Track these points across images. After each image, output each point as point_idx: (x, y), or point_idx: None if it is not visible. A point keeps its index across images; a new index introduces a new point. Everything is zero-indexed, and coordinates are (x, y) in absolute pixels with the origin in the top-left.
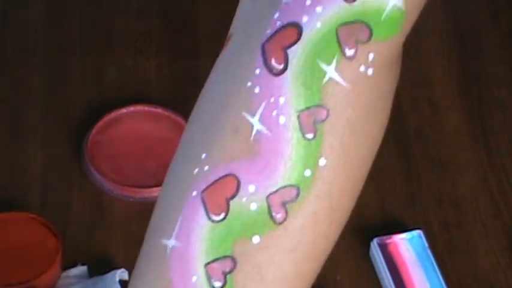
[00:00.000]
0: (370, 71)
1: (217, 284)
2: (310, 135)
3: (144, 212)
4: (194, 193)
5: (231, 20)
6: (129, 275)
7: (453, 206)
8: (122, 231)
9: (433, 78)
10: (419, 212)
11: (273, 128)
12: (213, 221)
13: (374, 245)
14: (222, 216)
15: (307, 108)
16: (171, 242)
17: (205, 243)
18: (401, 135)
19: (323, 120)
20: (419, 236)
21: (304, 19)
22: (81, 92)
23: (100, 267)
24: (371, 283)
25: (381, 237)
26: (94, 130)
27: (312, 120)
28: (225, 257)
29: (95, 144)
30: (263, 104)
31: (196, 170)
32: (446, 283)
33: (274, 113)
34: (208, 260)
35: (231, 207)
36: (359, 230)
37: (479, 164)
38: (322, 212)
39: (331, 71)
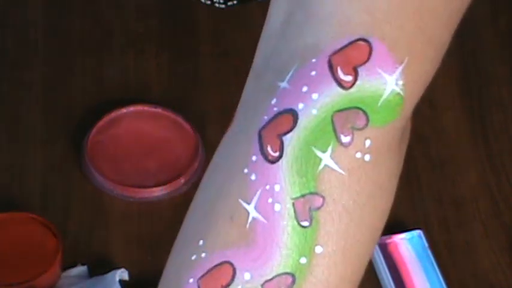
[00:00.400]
0: (367, 157)
1: None
2: (305, 223)
3: (144, 212)
4: (191, 280)
5: (231, 20)
6: (129, 275)
7: (453, 206)
8: (121, 231)
9: (433, 78)
10: (419, 212)
11: (269, 215)
12: None
13: None
14: None
15: (302, 195)
16: None
17: None
18: None
19: (318, 208)
20: (419, 236)
21: (300, 106)
22: (81, 92)
23: (100, 267)
24: (371, 283)
25: (381, 237)
26: (94, 130)
27: (307, 207)
28: None
29: (95, 144)
30: (259, 192)
31: (194, 257)
32: (446, 283)
33: (270, 200)
34: None
35: None
36: None
37: (479, 164)
38: None
39: (326, 158)
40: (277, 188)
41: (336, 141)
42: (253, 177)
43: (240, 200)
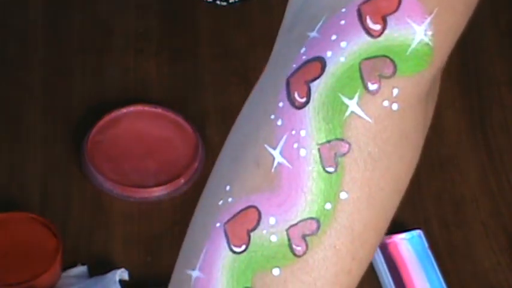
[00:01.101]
0: (394, 106)
1: None
2: (331, 169)
3: (144, 212)
4: (218, 224)
5: (231, 20)
6: (129, 274)
7: (453, 205)
8: (122, 231)
9: None
10: (419, 212)
11: (294, 160)
12: (234, 252)
13: None
14: (243, 247)
15: (328, 141)
16: (195, 273)
17: (226, 275)
18: None
19: (344, 154)
20: (419, 236)
21: (329, 54)
22: (81, 92)
23: (100, 267)
24: (371, 283)
25: None
26: (94, 130)
27: (332, 153)
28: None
29: (95, 144)
30: (284, 137)
31: (221, 202)
32: (446, 283)
33: (295, 145)
34: None
35: (251, 239)
36: None
37: (479, 164)
38: (343, 246)
39: (353, 105)
40: (303, 133)
41: (363, 88)
42: (279, 122)
43: (266, 145)
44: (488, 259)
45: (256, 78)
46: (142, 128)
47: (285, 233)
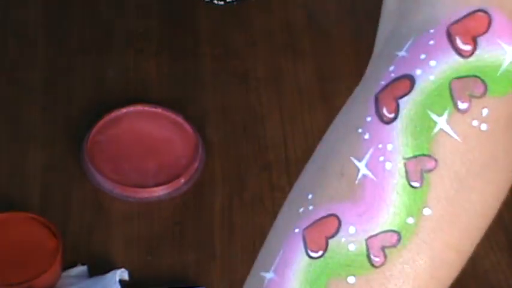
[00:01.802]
0: (483, 127)
1: None
2: (416, 184)
3: (144, 212)
4: (296, 230)
5: (231, 20)
6: (129, 275)
7: None
8: (121, 231)
9: None
10: None
11: (379, 173)
12: (310, 257)
13: None
14: (320, 253)
15: (415, 156)
16: (269, 275)
17: (300, 278)
18: None
19: (430, 170)
20: None
21: (418, 72)
22: (81, 92)
23: (100, 267)
24: None
25: None
26: (94, 130)
27: (419, 168)
28: None
29: (95, 144)
30: (371, 150)
31: (302, 210)
32: None
33: (381, 159)
34: None
35: (329, 246)
36: None
37: None
38: (422, 262)
39: (442, 122)
40: (389, 147)
41: (452, 106)
42: (366, 136)
43: (352, 157)
44: (488, 259)
45: (256, 78)
46: (142, 128)
47: (364, 242)
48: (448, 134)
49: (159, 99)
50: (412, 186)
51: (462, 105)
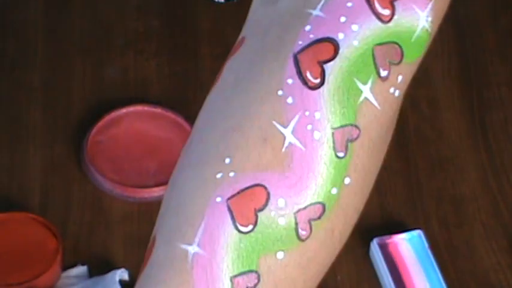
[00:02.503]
0: (397, 93)
1: None
2: (341, 154)
3: (144, 212)
4: (218, 199)
5: (231, 20)
6: (129, 275)
7: (453, 205)
8: (122, 231)
9: (433, 78)
10: (419, 212)
11: (307, 142)
12: (240, 231)
13: (374, 245)
14: (250, 227)
15: (342, 126)
16: (193, 248)
17: (231, 255)
18: (401, 135)
19: (354, 140)
20: (419, 236)
21: (340, 36)
22: (81, 92)
23: (100, 267)
24: (371, 283)
25: (380, 237)
26: (94, 130)
27: (345, 138)
28: (250, 271)
29: (95, 144)
30: (297, 116)
31: (220, 175)
32: (446, 283)
33: (310, 127)
34: (235, 273)
35: (259, 220)
36: (359, 230)
37: (479, 164)
38: (337, 229)
39: (366, 90)
40: (317, 115)
41: (375, 74)
42: (289, 100)
43: (275, 122)
44: (488, 259)
45: None
46: (142, 128)
47: (293, 216)
48: (371, 103)
49: (159, 99)
50: (337, 157)
51: (383, 73)
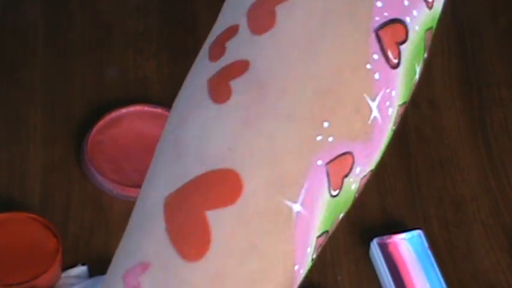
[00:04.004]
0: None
1: (313, 257)
2: (394, 128)
3: None
4: (319, 162)
5: None
6: None
7: (453, 205)
8: (121, 231)
9: (433, 78)
10: (419, 212)
11: (384, 118)
12: (331, 195)
13: (374, 245)
14: (337, 192)
15: (403, 104)
16: (297, 207)
17: (322, 217)
18: (401, 135)
19: (400, 115)
20: (419, 236)
21: (407, 19)
22: (81, 91)
23: (100, 267)
24: (371, 283)
25: (380, 237)
26: (94, 130)
27: (399, 115)
28: (326, 231)
29: (95, 144)
30: (381, 92)
31: (320, 138)
32: (446, 283)
33: (387, 103)
34: (319, 234)
35: (343, 185)
36: (359, 230)
37: (479, 164)
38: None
39: (418, 72)
40: (393, 93)
41: (422, 57)
42: (376, 76)
43: (365, 95)
44: (488, 259)
45: None
46: (142, 128)
47: (359, 183)
48: (416, 83)
49: (159, 99)
50: (392, 130)
51: (425, 55)
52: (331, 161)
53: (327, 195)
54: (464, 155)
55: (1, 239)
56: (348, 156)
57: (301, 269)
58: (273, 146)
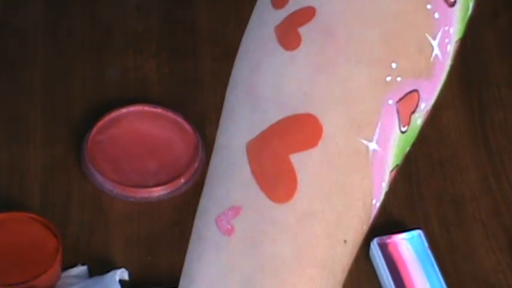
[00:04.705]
0: None
1: (386, 190)
2: (451, 63)
3: (144, 212)
4: (390, 101)
5: (231, 20)
6: (129, 275)
7: (453, 205)
8: (121, 231)
9: None
10: (419, 212)
11: (444, 54)
12: (401, 131)
13: (374, 245)
14: (406, 128)
15: (459, 40)
16: (372, 145)
17: (394, 152)
18: None
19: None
20: (419, 236)
21: None
22: (81, 92)
23: (100, 267)
24: (371, 283)
25: (381, 237)
26: (94, 130)
27: (456, 51)
28: (397, 165)
29: (95, 144)
30: (441, 31)
31: (389, 79)
32: (446, 283)
33: (446, 41)
34: (391, 168)
35: (411, 121)
36: None
37: (479, 164)
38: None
39: (470, 8)
40: (451, 30)
41: None
42: (436, 15)
43: (427, 35)
44: (488, 259)
45: None
46: (142, 128)
47: (423, 117)
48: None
49: (159, 99)
50: (449, 66)
51: None
52: (400, 99)
53: (398, 132)
54: (464, 155)
55: (1, 239)
56: (414, 94)
57: (378, 203)
58: (347, 89)
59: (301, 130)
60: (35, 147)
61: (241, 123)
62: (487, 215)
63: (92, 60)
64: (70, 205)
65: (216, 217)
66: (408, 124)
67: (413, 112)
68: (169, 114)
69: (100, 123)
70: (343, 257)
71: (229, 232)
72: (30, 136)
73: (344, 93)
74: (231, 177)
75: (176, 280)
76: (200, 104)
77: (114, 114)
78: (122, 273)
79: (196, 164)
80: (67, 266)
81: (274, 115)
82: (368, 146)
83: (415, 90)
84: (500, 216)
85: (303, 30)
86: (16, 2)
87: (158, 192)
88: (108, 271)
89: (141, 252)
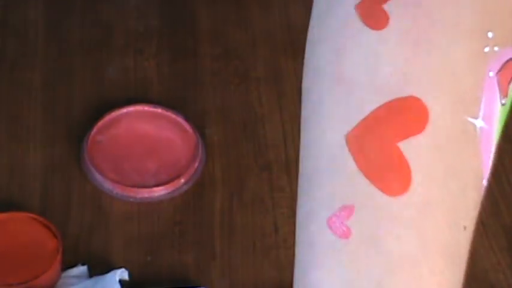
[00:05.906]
0: None
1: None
2: None
3: (144, 212)
4: (491, 73)
5: (231, 19)
6: (129, 274)
7: None
8: (122, 231)
9: None
10: None
11: None
12: (502, 104)
13: None
14: (505, 100)
15: None
16: (479, 122)
17: (497, 126)
18: None
19: None
20: None
21: None
22: (81, 92)
23: (100, 267)
24: None
25: None
26: (94, 130)
27: None
28: (497, 140)
29: (95, 144)
30: None
31: (487, 49)
32: None
33: None
34: (495, 143)
35: (509, 92)
36: None
37: None
38: None
39: None
40: None
41: None
42: None
43: None
44: (488, 259)
45: (256, 78)
46: (142, 128)
47: None
48: None
49: (159, 99)
50: None
51: None
52: (499, 70)
53: (499, 105)
54: None
55: (1, 239)
56: (510, 63)
57: (485, 181)
58: (448, 63)
59: (406, 114)
60: (35, 147)
61: (334, 113)
62: (487, 215)
63: (92, 60)
64: (70, 205)
65: (327, 220)
66: (506, 95)
67: (509, 82)
68: (169, 114)
69: (100, 123)
70: (466, 244)
71: (346, 235)
72: (30, 136)
73: (445, 69)
74: (335, 175)
75: (176, 280)
76: (200, 104)
77: (114, 114)
78: (122, 273)
79: (196, 164)
80: (67, 266)
81: (372, 101)
82: (475, 124)
83: (511, 59)
84: (500, 216)
85: (388, 5)
86: (16, 2)
87: (158, 192)
88: (108, 271)
89: (141, 252)
